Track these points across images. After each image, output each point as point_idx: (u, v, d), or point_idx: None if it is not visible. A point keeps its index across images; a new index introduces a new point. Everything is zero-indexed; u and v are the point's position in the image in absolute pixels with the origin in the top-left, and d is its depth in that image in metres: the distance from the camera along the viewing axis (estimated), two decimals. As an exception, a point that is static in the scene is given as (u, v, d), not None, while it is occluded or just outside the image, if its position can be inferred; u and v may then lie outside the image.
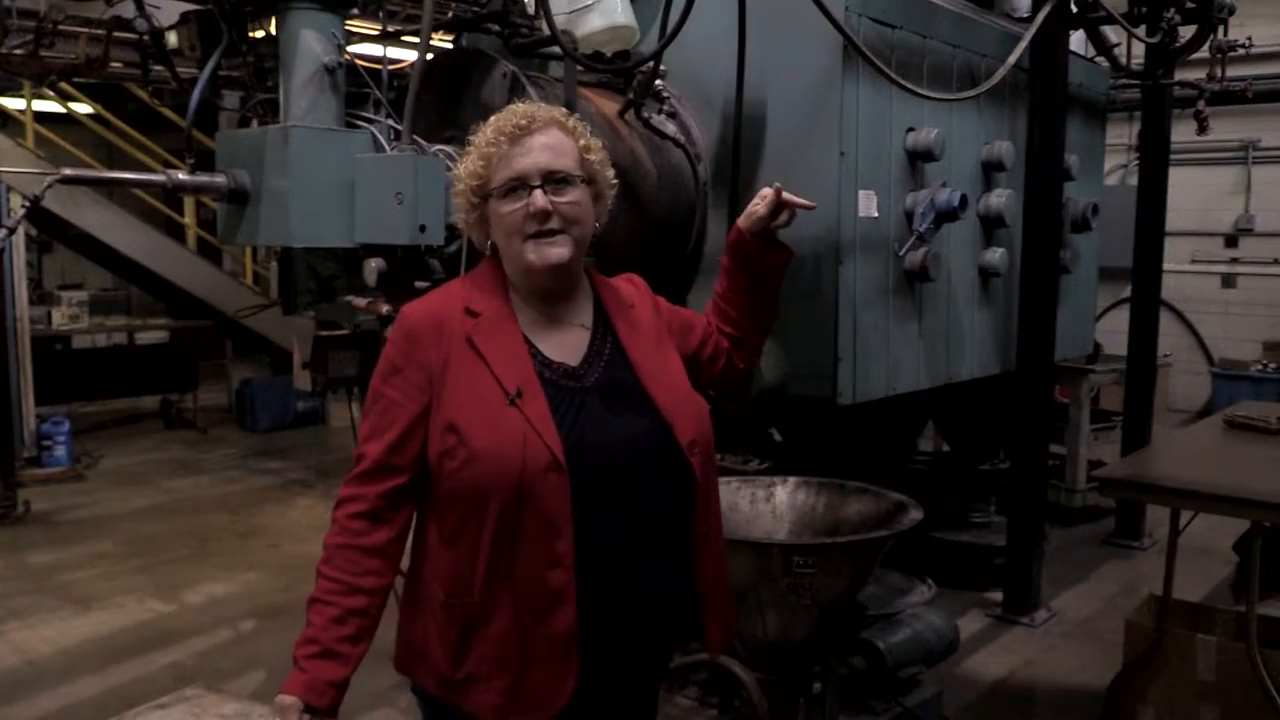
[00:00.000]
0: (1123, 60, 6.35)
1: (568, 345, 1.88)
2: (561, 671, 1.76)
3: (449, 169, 3.23)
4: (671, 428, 1.85)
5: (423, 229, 3.11)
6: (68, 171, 3.19)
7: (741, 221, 2.14)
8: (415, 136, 3.30)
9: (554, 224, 1.81)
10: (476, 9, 4.16)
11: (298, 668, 1.76)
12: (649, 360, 1.92)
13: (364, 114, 3.52)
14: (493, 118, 1.87)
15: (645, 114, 4.10)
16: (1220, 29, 6.12)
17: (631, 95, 4.06)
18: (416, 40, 3.44)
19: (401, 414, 1.80)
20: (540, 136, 1.82)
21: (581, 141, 1.88)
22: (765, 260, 2.15)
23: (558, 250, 1.81)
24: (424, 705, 1.93)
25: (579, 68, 3.73)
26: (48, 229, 9.87)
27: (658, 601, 1.88)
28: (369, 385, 1.88)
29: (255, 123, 3.72)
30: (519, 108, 1.87)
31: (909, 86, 3.75)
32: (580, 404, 1.82)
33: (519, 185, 1.81)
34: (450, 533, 1.80)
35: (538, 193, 1.80)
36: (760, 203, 2.11)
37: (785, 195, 2.10)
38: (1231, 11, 5.80)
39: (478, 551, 1.76)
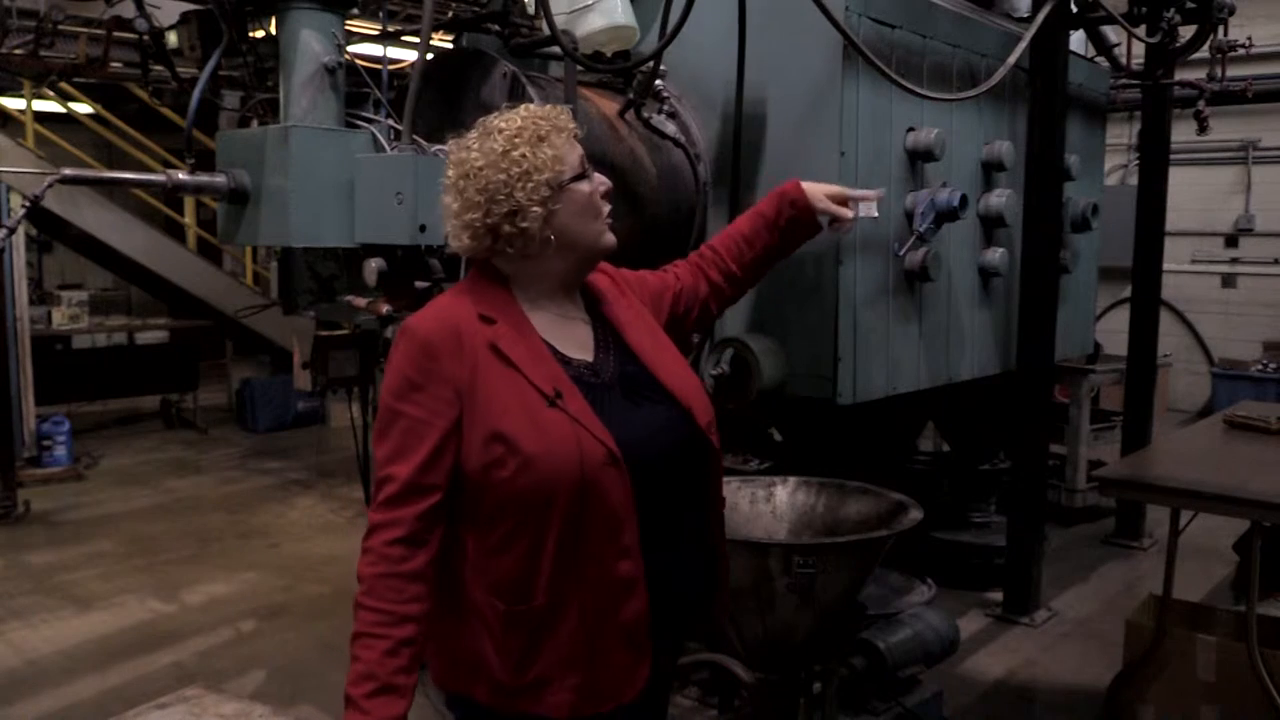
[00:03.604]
0: (1123, 60, 6.36)
1: (578, 342, 1.90)
2: (635, 658, 1.81)
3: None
4: (690, 411, 1.91)
5: (423, 229, 3.11)
6: (68, 171, 3.19)
7: (812, 199, 2.33)
8: (415, 136, 3.30)
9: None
10: (476, 9, 4.16)
11: (356, 709, 1.68)
12: (648, 347, 1.96)
13: (364, 114, 3.52)
14: (508, 117, 1.85)
15: (645, 114, 4.10)
16: (1220, 29, 6.12)
17: (631, 95, 4.06)
18: (416, 40, 3.44)
19: (430, 431, 1.74)
20: None
21: None
22: (803, 230, 2.37)
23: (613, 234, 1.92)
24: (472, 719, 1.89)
25: (579, 68, 3.73)
26: (48, 229, 9.87)
27: (704, 577, 1.97)
28: (379, 404, 1.80)
29: (255, 123, 3.72)
30: (527, 105, 1.89)
31: (909, 86, 3.75)
32: (606, 398, 1.84)
33: (588, 167, 1.87)
34: (500, 542, 1.76)
35: (598, 175, 1.88)
36: (843, 208, 2.37)
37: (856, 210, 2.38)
38: (1231, 11, 5.80)
39: (540, 555, 1.74)
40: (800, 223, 2.34)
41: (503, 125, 1.83)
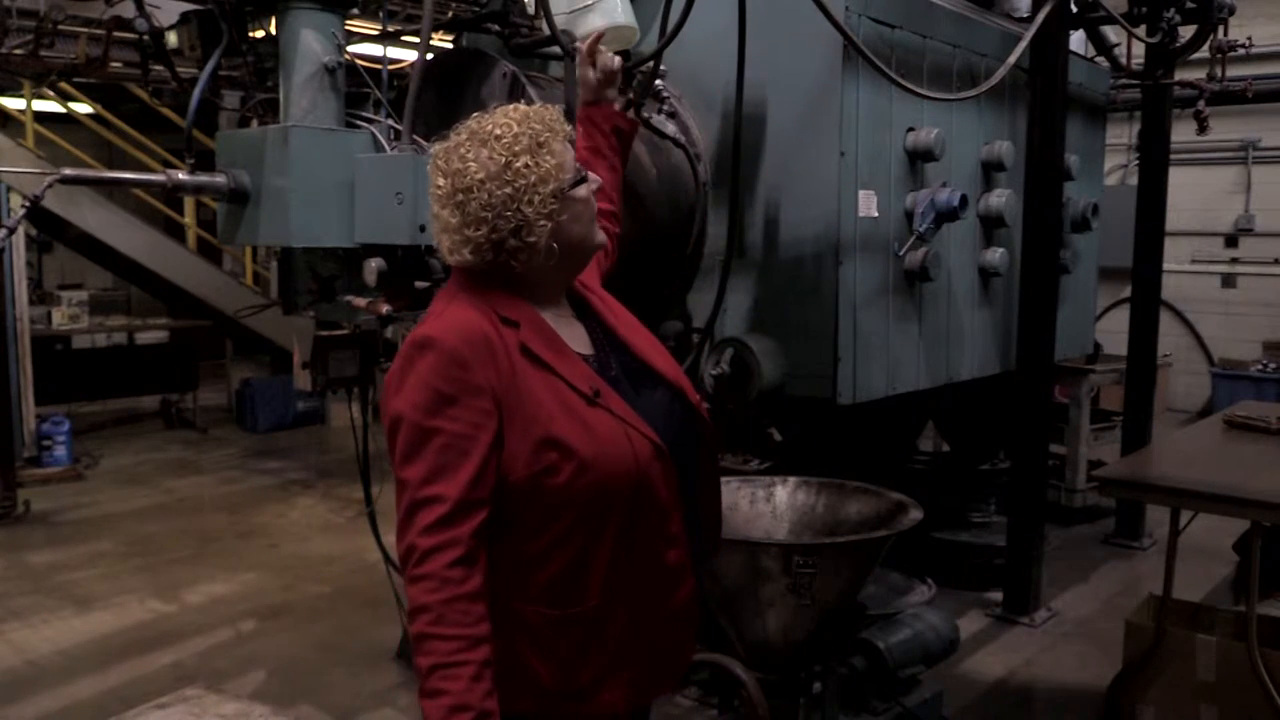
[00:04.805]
0: (1123, 60, 6.35)
1: (580, 338, 1.89)
2: (685, 639, 1.86)
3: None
4: (684, 392, 1.94)
5: (423, 229, 3.11)
6: (68, 171, 3.19)
7: (592, 96, 2.37)
8: (415, 136, 3.30)
9: None
10: (476, 9, 4.16)
11: None
12: (632, 333, 1.96)
13: (364, 114, 3.52)
14: (518, 115, 1.78)
15: (645, 114, 4.10)
16: (1220, 29, 6.12)
17: (631, 95, 4.05)
18: (416, 40, 3.44)
19: (474, 444, 1.65)
20: None
21: None
22: (628, 136, 2.44)
23: None
24: None
25: (579, 68, 3.73)
26: (48, 229, 9.87)
27: (718, 544, 2.08)
28: (405, 421, 1.67)
29: (255, 123, 3.72)
30: (513, 107, 1.81)
31: (909, 86, 3.75)
32: (625, 392, 1.83)
33: (580, 169, 1.84)
34: (547, 548, 1.72)
35: (590, 173, 1.86)
36: (590, 70, 2.35)
37: (591, 48, 2.37)
38: (1231, 11, 5.80)
39: (593, 556, 1.73)
40: (623, 131, 2.42)
41: (498, 132, 1.74)
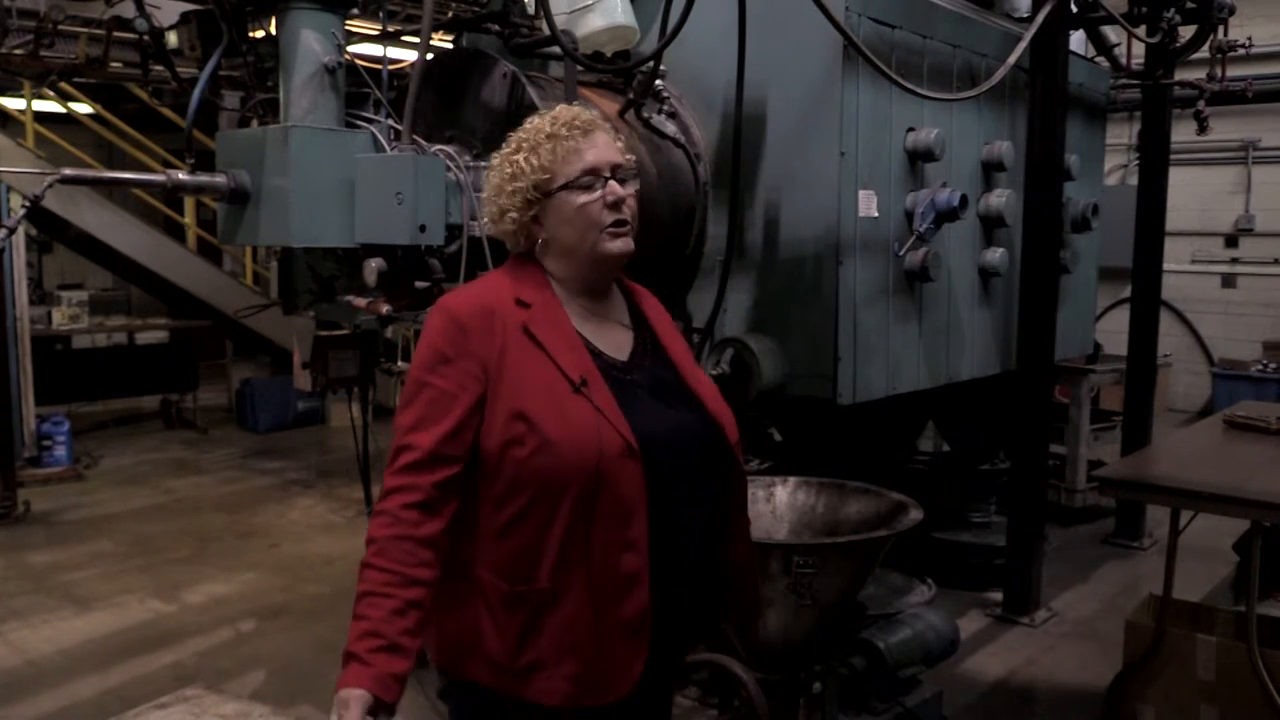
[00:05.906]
0: (1123, 60, 6.36)
1: (615, 342, 1.93)
2: (632, 653, 1.83)
3: (448, 169, 3.23)
4: (720, 425, 1.94)
5: (423, 229, 3.11)
6: (68, 171, 3.19)
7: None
8: (415, 136, 3.31)
9: (624, 214, 1.89)
10: (476, 9, 4.16)
11: (359, 661, 1.68)
12: (688, 364, 2.01)
13: (364, 114, 3.52)
14: (539, 118, 1.91)
15: (645, 114, 4.10)
16: (1220, 29, 6.13)
17: (631, 95, 4.06)
18: (416, 40, 3.44)
19: (456, 404, 1.78)
20: (601, 134, 1.90)
21: (621, 143, 1.96)
22: None
23: (628, 242, 1.90)
24: (470, 701, 1.91)
25: (579, 68, 3.73)
26: (48, 229, 9.87)
27: (711, 584, 1.99)
28: (410, 374, 1.84)
29: (255, 123, 3.72)
30: (565, 108, 1.93)
31: (909, 86, 3.75)
32: (632, 394, 1.86)
33: (595, 178, 1.86)
34: (508, 521, 1.80)
35: (613, 183, 1.87)
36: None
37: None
38: (1231, 11, 5.81)
39: (546, 538, 1.77)
40: None
41: (527, 125, 1.91)
